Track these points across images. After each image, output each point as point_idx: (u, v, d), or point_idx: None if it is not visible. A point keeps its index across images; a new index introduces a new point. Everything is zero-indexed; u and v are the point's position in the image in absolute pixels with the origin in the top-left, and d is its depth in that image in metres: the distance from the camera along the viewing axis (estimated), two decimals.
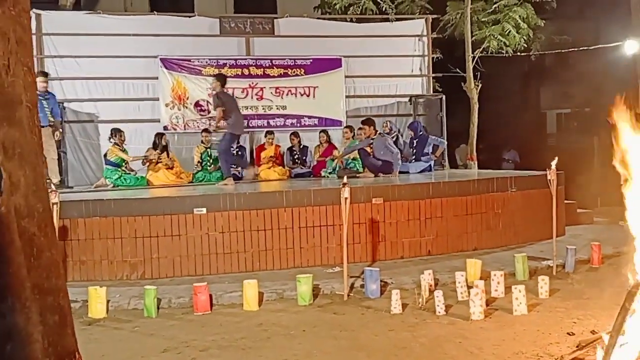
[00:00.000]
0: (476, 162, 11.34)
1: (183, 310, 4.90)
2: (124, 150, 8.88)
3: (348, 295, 5.09)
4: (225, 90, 8.23)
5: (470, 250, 6.58)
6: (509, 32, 11.06)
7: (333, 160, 9.51)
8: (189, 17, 10.33)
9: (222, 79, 8.21)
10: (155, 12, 10.32)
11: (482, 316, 4.31)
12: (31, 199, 1.62)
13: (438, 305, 4.49)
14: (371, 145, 8.80)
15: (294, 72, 10.32)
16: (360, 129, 9.97)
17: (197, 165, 9.49)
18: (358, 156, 9.15)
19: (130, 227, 5.88)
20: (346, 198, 4.94)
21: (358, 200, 6.13)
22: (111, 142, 8.84)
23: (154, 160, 8.96)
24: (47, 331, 1.63)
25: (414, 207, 6.43)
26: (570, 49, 11.96)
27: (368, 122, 8.93)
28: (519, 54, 11.60)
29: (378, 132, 8.89)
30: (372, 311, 4.68)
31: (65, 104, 9.54)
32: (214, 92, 8.21)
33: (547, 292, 4.90)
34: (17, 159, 1.58)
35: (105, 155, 8.88)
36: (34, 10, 9.52)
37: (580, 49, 11.77)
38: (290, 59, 10.33)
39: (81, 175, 9.74)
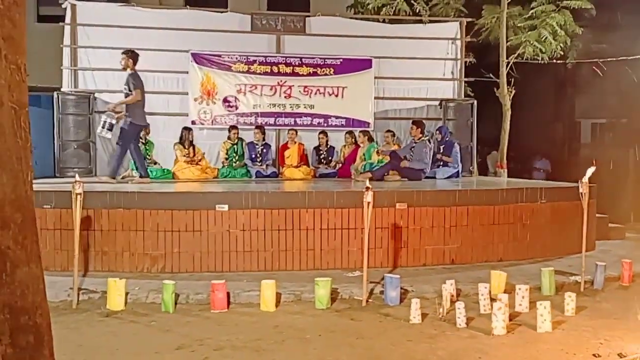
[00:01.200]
0: (506, 170, 11.11)
1: (200, 307, 4.87)
2: (145, 143, 8.96)
3: (367, 301, 5.00)
4: (136, 71, 7.55)
5: (495, 261, 6.41)
6: (546, 38, 10.81)
7: (357, 168, 9.44)
8: (222, 12, 10.36)
9: (134, 56, 7.51)
10: (188, 7, 10.37)
11: (504, 331, 4.17)
12: (8, 209, 1.50)
13: (459, 317, 4.37)
14: (412, 149, 8.76)
15: (324, 71, 10.25)
16: (387, 131, 9.92)
17: (223, 161, 9.52)
18: (382, 157, 9.08)
19: (152, 220, 5.89)
20: (369, 202, 4.85)
21: (382, 205, 6.03)
22: None
23: (184, 159, 9.01)
24: (19, 353, 1.51)
25: (439, 214, 6.30)
26: (609, 58, 11.61)
27: (418, 124, 8.97)
28: (554, 61, 11.32)
29: (421, 138, 8.85)
30: (390, 319, 4.58)
31: (97, 95, 9.67)
32: (128, 71, 7.48)
33: (573, 309, 4.73)
34: None
35: None
36: (69, 0, 9.68)
37: (619, 58, 11.43)
38: (320, 58, 10.27)
39: (109, 166, 9.83)
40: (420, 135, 8.90)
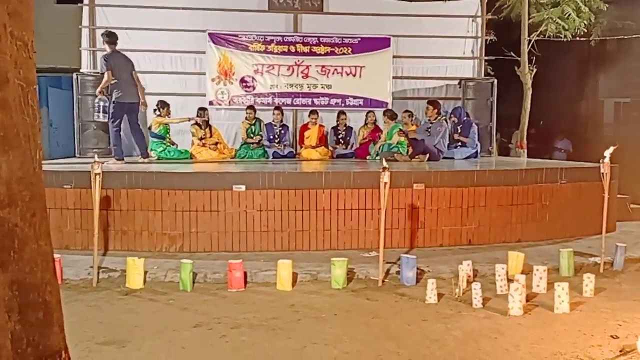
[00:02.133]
0: (526, 150, 10.96)
1: (218, 286, 4.94)
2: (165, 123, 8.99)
3: (383, 281, 5.02)
4: (116, 51, 7.66)
5: (513, 242, 6.37)
6: (569, 15, 10.54)
7: (375, 143, 9.39)
8: None
9: (112, 37, 7.65)
10: None
11: (520, 312, 4.16)
12: (15, 186, 1.49)
13: (475, 298, 4.36)
14: (428, 129, 8.67)
15: (341, 50, 10.15)
16: (405, 111, 9.83)
17: (246, 140, 9.49)
18: (403, 139, 9.02)
19: (170, 201, 5.95)
20: (386, 182, 4.83)
21: (399, 185, 6.01)
22: (156, 114, 8.96)
23: (200, 142, 9.03)
24: (28, 330, 1.52)
25: (457, 194, 6.25)
26: (635, 35, 11.30)
27: (435, 103, 8.87)
28: (578, 38, 11.05)
29: (437, 118, 8.74)
30: (406, 299, 4.59)
31: None
32: (104, 54, 7.71)
33: (592, 290, 4.68)
34: None
35: (149, 128, 9.02)
36: None
37: None
38: (337, 37, 10.15)
39: (128, 147, 9.93)
40: (437, 116, 8.77)
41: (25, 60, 1.54)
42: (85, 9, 9.80)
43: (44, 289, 1.59)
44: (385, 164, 4.92)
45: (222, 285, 4.94)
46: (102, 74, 7.57)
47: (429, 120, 8.88)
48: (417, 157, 8.49)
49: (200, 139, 9.10)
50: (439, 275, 5.13)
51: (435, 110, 8.78)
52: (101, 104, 7.61)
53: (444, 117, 9.12)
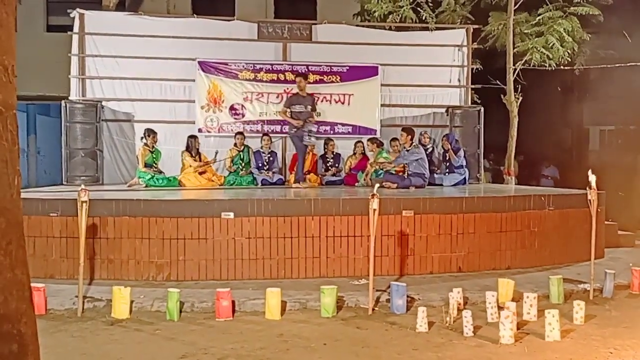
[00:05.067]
0: (514, 178, 11.04)
1: (205, 315, 4.86)
2: (152, 151, 8.95)
3: (373, 309, 4.96)
4: None
5: (503, 269, 6.36)
6: (553, 45, 10.76)
7: (363, 172, 9.40)
8: (229, 21, 10.40)
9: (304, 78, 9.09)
10: (196, 15, 10.42)
11: (512, 340, 4.12)
12: None
13: (466, 326, 4.32)
14: (405, 157, 8.65)
15: (330, 79, 10.25)
16: (393, 139, 9.89)
17: (229, 167, 9.50)
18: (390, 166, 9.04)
19: (158, 228, 5.89)
20: (375, 209, 4.83)
21: (388, 212, 6.01)
22: (142, 142, 8.94)
23: (193, 170, 9.00)
24: None
25: (446, 221, 6.26)
26: (617, 64, 11.54)
27: (408, 131, 8.77)
28: (562, 67, 11.26)
29: (413, 145, 8.70)
30: (396, 328, 4.54)
31: (104, 103, 9.72)
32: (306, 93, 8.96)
33: (582, 317, 4.67)
34: None
35: (137, 156, 8.99)
36: (78, 10, 9.78)
37: (628, 64, 11.35)
38: (326, 66, 10.27)
39: (116, 174, 9.89)
40: (411, 142, 8.68)
41: (5, 85, 1.50)
42: (75, 37, 9.84)
43: (18, 320, 1.52)
44: (374, 190, 4.92)
45: (209, 314, 4.86)
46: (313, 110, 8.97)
47: (404, 147, 8.77)
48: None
49: (191, 165, 9.04)
50: (430, 303, 5.09)
51: (409, 137, 8.64)
52: (313, 129, 8.91)
53: (430, 144, 9.10)
